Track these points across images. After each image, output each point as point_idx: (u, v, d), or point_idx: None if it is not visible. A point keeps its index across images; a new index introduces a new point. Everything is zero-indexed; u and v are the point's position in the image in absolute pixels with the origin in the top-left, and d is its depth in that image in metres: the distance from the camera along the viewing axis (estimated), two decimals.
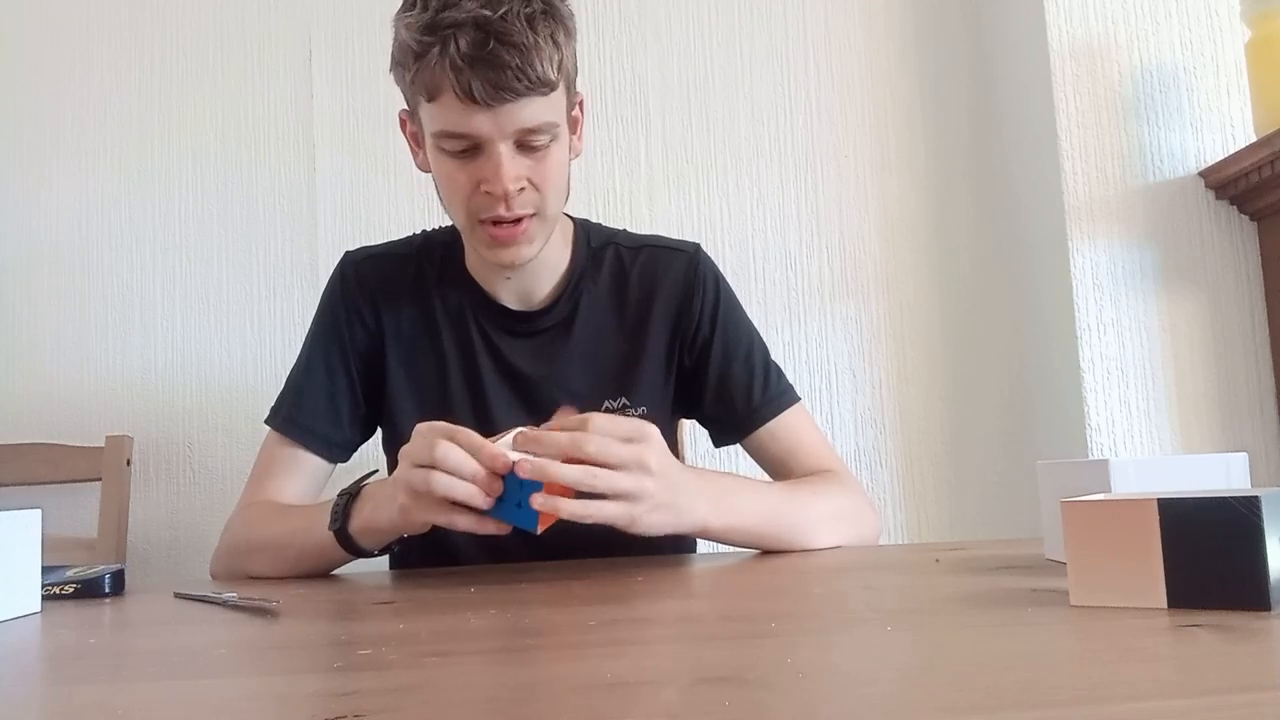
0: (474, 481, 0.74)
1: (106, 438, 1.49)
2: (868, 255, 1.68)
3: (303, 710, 0.40)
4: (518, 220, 0.92)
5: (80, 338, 1.62)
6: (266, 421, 1.06)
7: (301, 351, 1.08)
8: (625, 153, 1.67)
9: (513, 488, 0.75)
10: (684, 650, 0.51)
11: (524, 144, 0.90)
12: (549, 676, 0.46)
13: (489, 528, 0.76)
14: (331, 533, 0.87)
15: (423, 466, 0.76)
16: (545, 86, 0.87)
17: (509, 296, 1.05)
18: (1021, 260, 1.65)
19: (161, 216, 1.64)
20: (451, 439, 0.76)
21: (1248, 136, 1.45)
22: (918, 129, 1.70)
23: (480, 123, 0.87)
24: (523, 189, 0.91)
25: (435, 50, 0.85)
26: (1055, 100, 1.50)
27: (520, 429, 0.79)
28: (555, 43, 0.88)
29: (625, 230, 1.13)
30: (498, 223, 0.92)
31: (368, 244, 1.12)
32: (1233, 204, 1.48)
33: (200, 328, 1.63)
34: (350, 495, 0.88)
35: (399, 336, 1.06)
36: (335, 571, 0.93)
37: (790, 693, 0.40)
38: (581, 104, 1.00)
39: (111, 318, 1.62)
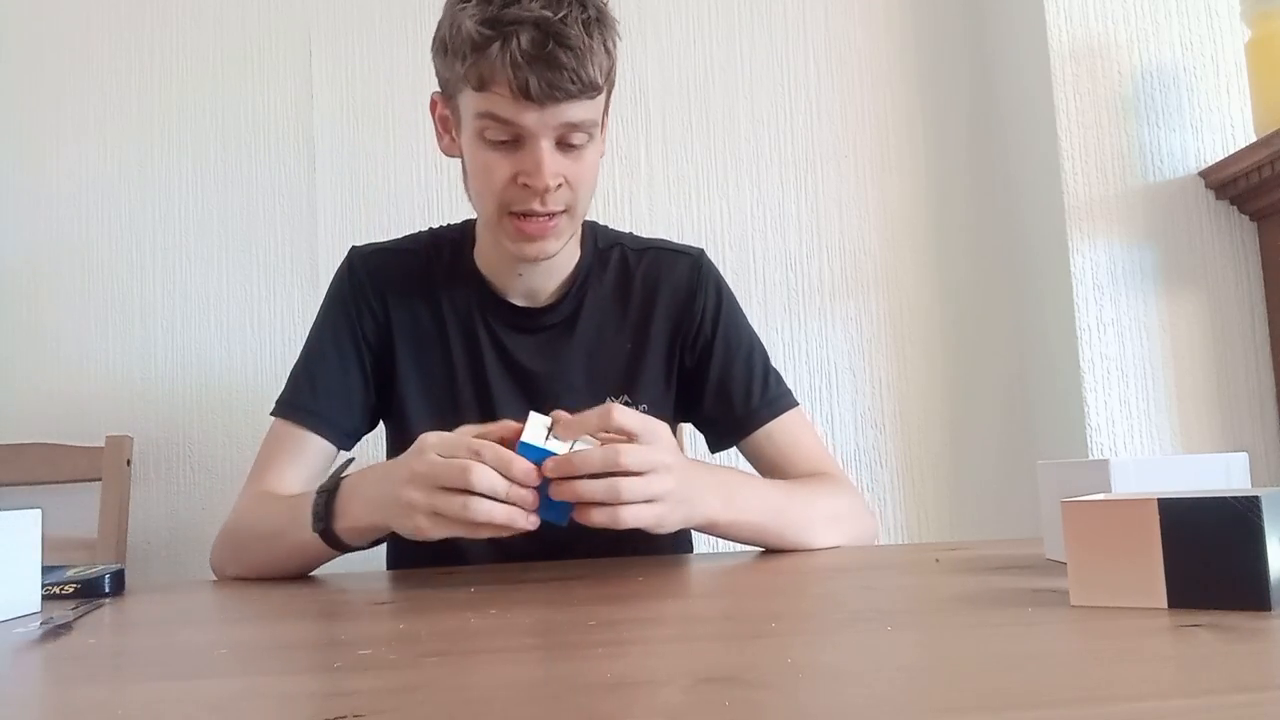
0: (509, 500, 0.73)
1: (106, 438, 1.49)
2: (868, 255, 1.68)
3: (303, 710, 0.40)
4: (550, 215, 0.94)
5: (80, 338, 1.62)
6: (274, 413, 1.04)
7: (308, 342, 1.07)
8: (625, 153, 1.67)
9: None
10: (684, 650, 0.51)
11: (564, 142, 0.92)
12: (549, 676, 0.46)
13: (519, 523, 0.74)
14: (316, 534, 0.85)
15: (451, 490, 0.73)
16: (594, 90, 0.89)
17: (517, 294, 1.06)
18: (1021, 260, 1.65)
19: (161, 216, 1.64)
20: (478, 457, 0.73)
21: (1248, 136, 1.45)
22: (918, 129, 1.70)
23: (528, 118, 0.89)
24: (560, 185, 0.93)
25: (496, 45, 0.86)
26: (1055, 100, 1.50)
27: (554, 414, 0.77)
28: (606, 49, 0.90)
29: (632, 233, 1.14)
30: (528, 215, 0.93)
31: (373, 241, 1.12)
32: (1233, 204, 1.48)
33: (200, 328, 1.63)
34: (329, 492, 0.85)
35: (407, 331, 1.06)
36: (335, 572, 0.93)
37: (790, 693, 0.40)
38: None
39: (111, 318, 1.62)
